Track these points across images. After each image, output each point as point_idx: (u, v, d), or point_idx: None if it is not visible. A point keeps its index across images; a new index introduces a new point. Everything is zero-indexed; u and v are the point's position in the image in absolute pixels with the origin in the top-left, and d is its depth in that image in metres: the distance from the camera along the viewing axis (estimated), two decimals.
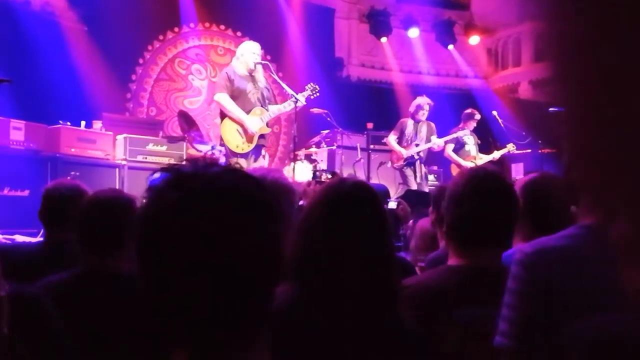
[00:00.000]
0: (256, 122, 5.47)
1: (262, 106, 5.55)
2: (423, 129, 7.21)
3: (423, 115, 7.18)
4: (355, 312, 1.35)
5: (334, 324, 1.33)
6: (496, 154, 7.53)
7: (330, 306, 1.34)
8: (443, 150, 7.41)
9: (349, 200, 1.45)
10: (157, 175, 0.88)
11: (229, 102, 5.43)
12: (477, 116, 7.55)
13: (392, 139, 7.31)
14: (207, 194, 0.84)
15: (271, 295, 0.89)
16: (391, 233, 1.52)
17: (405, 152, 7.16)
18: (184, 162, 0.91)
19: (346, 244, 1.39)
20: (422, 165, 7.26)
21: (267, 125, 5.66)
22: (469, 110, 7.62)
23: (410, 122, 7.23)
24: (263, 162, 5.84)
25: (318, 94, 5.82)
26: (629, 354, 1.10)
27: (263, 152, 5.83)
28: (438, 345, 1.48)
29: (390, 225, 1.49)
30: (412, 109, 7.29)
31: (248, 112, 5.48)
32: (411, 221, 3.12)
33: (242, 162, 5.44)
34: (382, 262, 1.41)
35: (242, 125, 5.43)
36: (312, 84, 5.84)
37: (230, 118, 5.46)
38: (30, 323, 1.41)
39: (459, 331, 1.55)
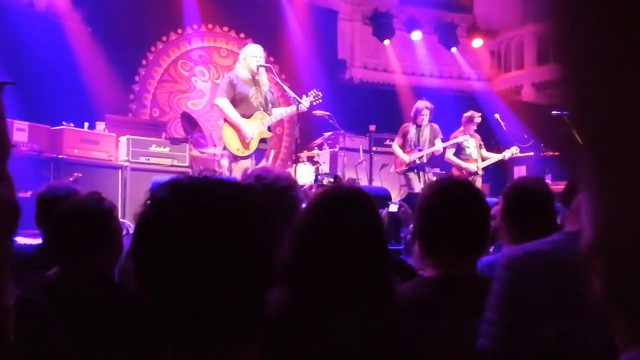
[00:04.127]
0: (255, 127, 5.47)
1: (264, 110, 5.55)
2: (425, 132, 7.19)
3: (423, 119, 7.15)
4: (350, 313, 1.37)
5: (329, 324, 1.35)
6: (506, 153, 7.48)
7: (325, 308, 1.36)
8: (444, 154, 7.40)
9: (343, 206, 1.47)
10: (158, 177, 0.90)
11: (228, 106, 5.44)
12: (477, 119, 7.52)
13: (395, 146, 7.35)
14: (204, 202, 0.88)
15: (264, 295, 0.92)
16: (385, 238, 1.53)
17: (407, 158, 7.16)
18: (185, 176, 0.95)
19: (340, 248, 1.41)
20: (428, 170, 7.25)
21: (269, 129, 5.66)
22: (468, 113, 7.59)
23: (412, 127, 7.23)
24: (266, 164, 5.83)
25: (321, 101, 5.82)
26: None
27: (271, 154, 5.80)
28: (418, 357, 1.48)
29: (384, 230, 1.51)
30: (412, 113, 7.30)
31: (249, 117, 5.48)
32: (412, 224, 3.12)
33: (246, 164, 5.45)
34: (376, 265, 1.43)
35: (238, 131, 5.44)
36: (315, 90, 5.84)
37: (229, 122, 5.48)
38: (25, 325, 1.42)
39: (437, 343, 1.55)
